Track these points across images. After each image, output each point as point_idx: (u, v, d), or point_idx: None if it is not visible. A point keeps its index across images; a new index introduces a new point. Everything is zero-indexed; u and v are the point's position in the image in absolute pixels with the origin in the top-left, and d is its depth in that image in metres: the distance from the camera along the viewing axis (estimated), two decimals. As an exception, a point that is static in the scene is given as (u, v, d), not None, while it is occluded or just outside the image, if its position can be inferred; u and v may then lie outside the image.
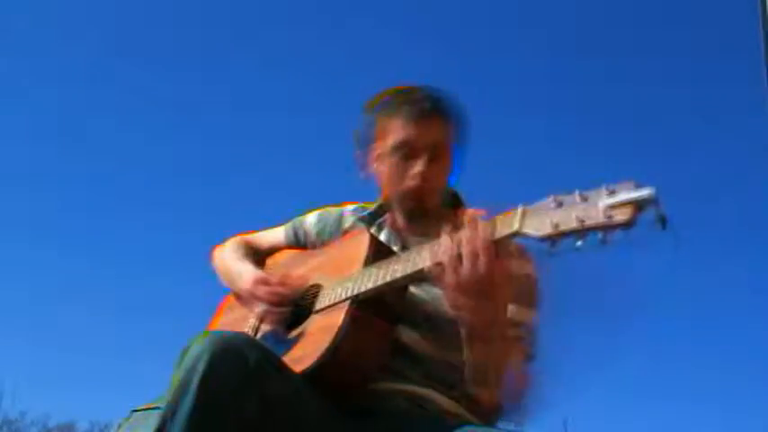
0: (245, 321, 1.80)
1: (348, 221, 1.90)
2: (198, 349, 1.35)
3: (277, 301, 1.70)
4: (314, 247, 1.90)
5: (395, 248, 1.73)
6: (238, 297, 1.86)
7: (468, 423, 1.55)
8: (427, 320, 1.64)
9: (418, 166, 1.71)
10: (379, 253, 1.62)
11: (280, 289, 1.72)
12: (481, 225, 1.35)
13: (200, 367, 1.32)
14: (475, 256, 1.34)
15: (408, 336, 1.63)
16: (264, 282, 1.75)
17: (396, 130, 1.73)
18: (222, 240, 2.03)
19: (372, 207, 1.89)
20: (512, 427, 1.58)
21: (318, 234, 1.92)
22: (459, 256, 1.36)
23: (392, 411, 1.57)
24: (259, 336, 1.74)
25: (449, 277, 1.37)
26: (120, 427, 1.88)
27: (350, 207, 1.94)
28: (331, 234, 1.89)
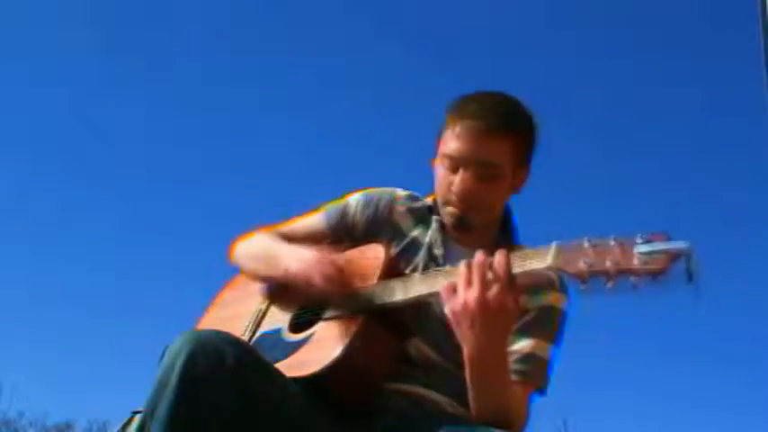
0: (239, 319, 1.78)
1: (399, 210, 1.80)
2: (176, 347, 1.35)
3: (333, 290, 1.58)
4: (362, 234, 1.77)
5: (437, 252, 1.72)
6: (273, 282, 1.75)
7: (466, 424, 1.53)
8: (436, 331, 1.61)
9: (458, 183, 1.66)
10: (394, 270, 1.61)
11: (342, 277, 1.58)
12: (498, 257, 1.35)
13: (178, 365, 1.32)
14: (486, 285, 1.34)
15: (413, 343, 1.62)
16: (324, 263, 1.59)
17: (448, 141, 1.68)
18: (232, 238, 1.90)
19: (425, 200, 1.81)
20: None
21: (368, 220, 1.79)
22: (470, 283, 1.36)
23: (391, 411, 1.56)
24: (256, 336, 1.72)
25: (455, 303, 1.36)
26: (123, 428, 1.88)
27: (401, 192, 1.83)
28: (380, 221, 1.78)
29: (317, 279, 1.57)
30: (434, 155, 1.76)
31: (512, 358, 1.56)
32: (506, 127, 1.66)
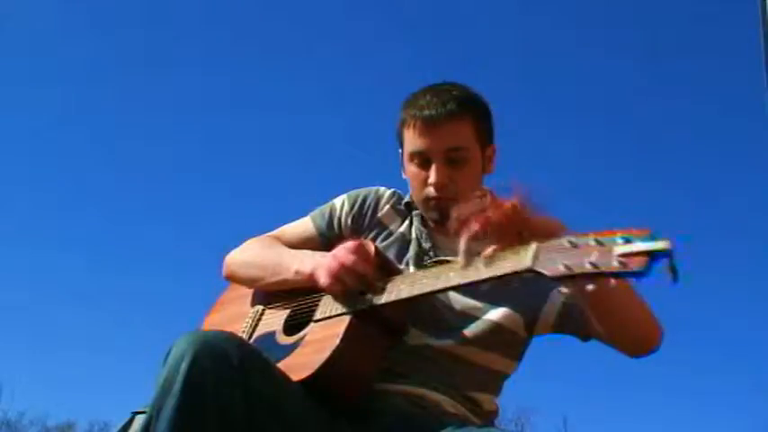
0: (239, 321, 1.79)
1: (384, 209, 1.82)
2: (181, 348, 1.35)
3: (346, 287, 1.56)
4: (349, 234, 1.77)
5: (426, 245, 1.73)
6: (278, 288, 1.74)
7: (467, 424, 1.54)
8: (432, 327, 1.63)
9: (433, 176, 1.67)
10: (382, 264, 1.60)
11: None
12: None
13: (183, 366, 1.33)
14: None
15: (411, 340, 1.62)
16: (337, 261, 1.58)
17: (413, 138, 1.70)
18: (221, 247, 1.91)
19: (406, 198, 1.82)
20: (513, 426, 1.59)
21: (354, 220, 1.82)
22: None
23: (391, 411, 1.57)
24: (254, 338, 1.73)
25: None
26: (123, 429, 1.87)
27: (385, 191, 1.85)
28: (365, 222, 1.81)
29: (333, 277, 1.57)
30: (399, 159, 1.79)
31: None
32: (463, 109, 1.69)
